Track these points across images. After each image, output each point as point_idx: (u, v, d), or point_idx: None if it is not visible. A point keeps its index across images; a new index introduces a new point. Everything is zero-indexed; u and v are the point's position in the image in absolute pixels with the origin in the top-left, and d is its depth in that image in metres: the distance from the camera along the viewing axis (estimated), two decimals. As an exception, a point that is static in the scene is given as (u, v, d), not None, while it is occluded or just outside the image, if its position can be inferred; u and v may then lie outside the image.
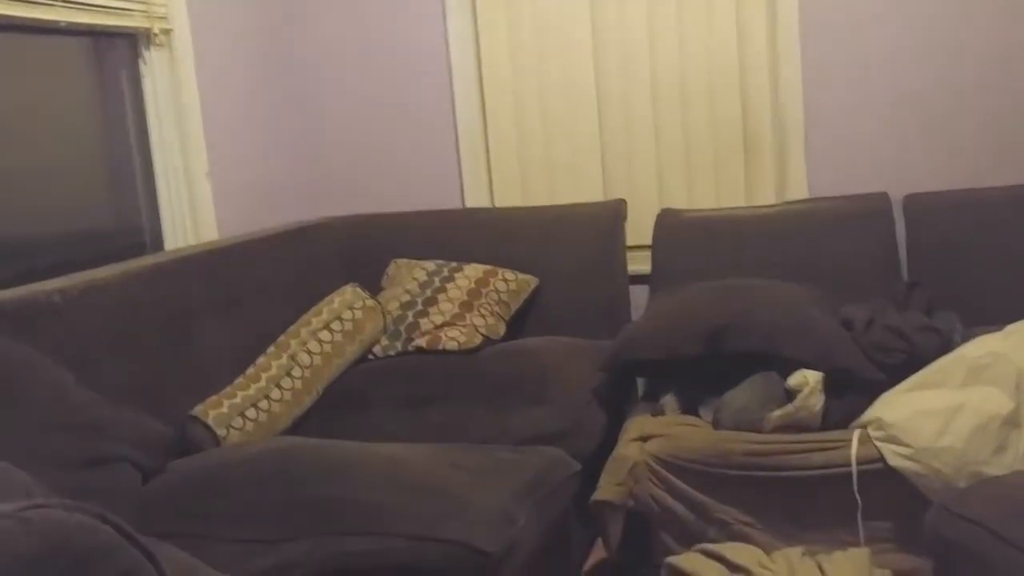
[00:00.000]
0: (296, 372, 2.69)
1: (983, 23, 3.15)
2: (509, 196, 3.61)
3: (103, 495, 1.83)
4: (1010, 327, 2.49)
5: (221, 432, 2.38)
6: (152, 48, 3.01)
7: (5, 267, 2.50)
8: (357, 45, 3.67)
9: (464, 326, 2.98)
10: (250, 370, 2.67)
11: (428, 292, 3.12)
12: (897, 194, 3.14)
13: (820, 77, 3.29)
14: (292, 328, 2.85)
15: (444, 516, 1.80)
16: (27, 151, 2.66)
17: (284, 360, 2.71)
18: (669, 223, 3.28)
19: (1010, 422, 2.18)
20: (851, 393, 2.39)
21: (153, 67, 3.02)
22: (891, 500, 2.20)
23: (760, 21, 3.32)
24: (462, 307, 3.05)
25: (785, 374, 2.42)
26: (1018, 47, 3.13)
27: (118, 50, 2.97)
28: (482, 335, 2.96)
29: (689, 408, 2.53)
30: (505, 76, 3.54)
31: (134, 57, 3.01)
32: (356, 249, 3.43)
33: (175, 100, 3.06)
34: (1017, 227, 2.95)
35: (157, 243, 3.07)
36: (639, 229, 3.35)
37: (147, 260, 2.65)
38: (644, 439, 2.39)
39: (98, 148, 2.93)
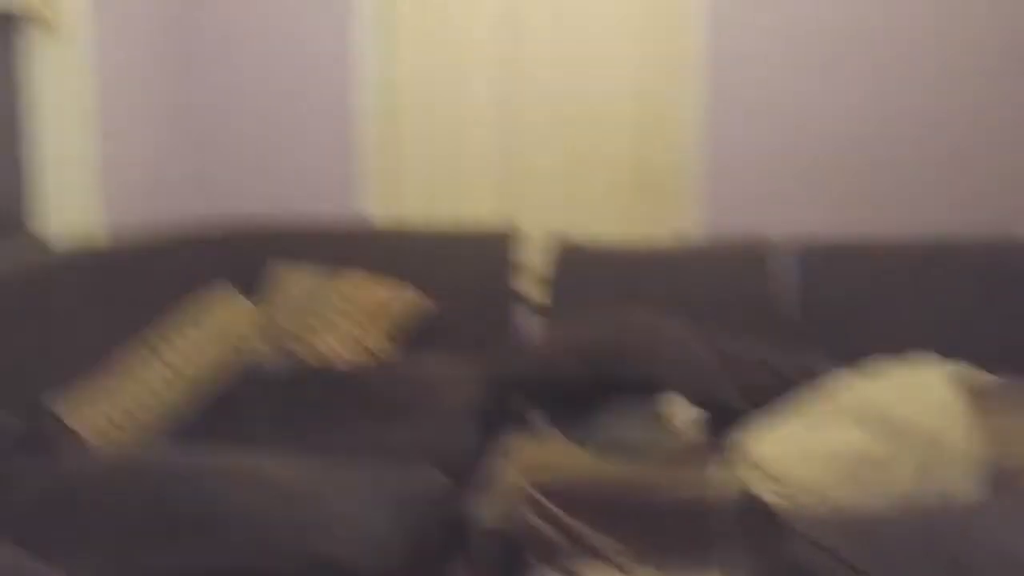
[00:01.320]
0: (168, 376, 2.59)
1: (892, 74, 3.30)
2: (405, 206, 3.59)
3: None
4: (876, 370, 2.57)
5: (81, 432, 2.27)
6: (39, 31, 2.89)
7: None
8: (258, 41, 3.61)
9: (349, 340, 2.93)
10: (119, 371, 2.56)
11: (313, 302, 3.06)
12: (790, 234, 3.24)
13: (722, 119, 3.38)
14: (166, 331, 2.75)
15: (306, 528, 1.76)
16: None
17: (156, 363, 2.62)
18: (568, 255, 3.29)
19: (874, 461, 2.23)
20: (723, 425, 2.42)
21: (41, 51, 2.91)
22: (753, 532, 2.21)
23: (668, 53, 3.40)
24: (347, 320, 3.00)
25: (663, 403, 2.45)
26: (927, 99, 3.30)
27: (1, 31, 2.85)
28: (367, 351, 2.91)
29: (568, 433, 2.52)
30: (409, 84, 3.53)
31: (16, 39, 2.88)
32: (241, 253, 3.33)
33: (63, 87, 2.95)
34: (904, 278, 3.08)
35: (33, 232, 2.94)
36: (533, 252, 3.36)
37: (19, 252, 2.53)
38: (521, 463, 2.37)
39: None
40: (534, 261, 3.32)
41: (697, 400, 2.44)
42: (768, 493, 2.22)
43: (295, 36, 3.58)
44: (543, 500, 2.30)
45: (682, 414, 2.43)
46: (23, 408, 2.21)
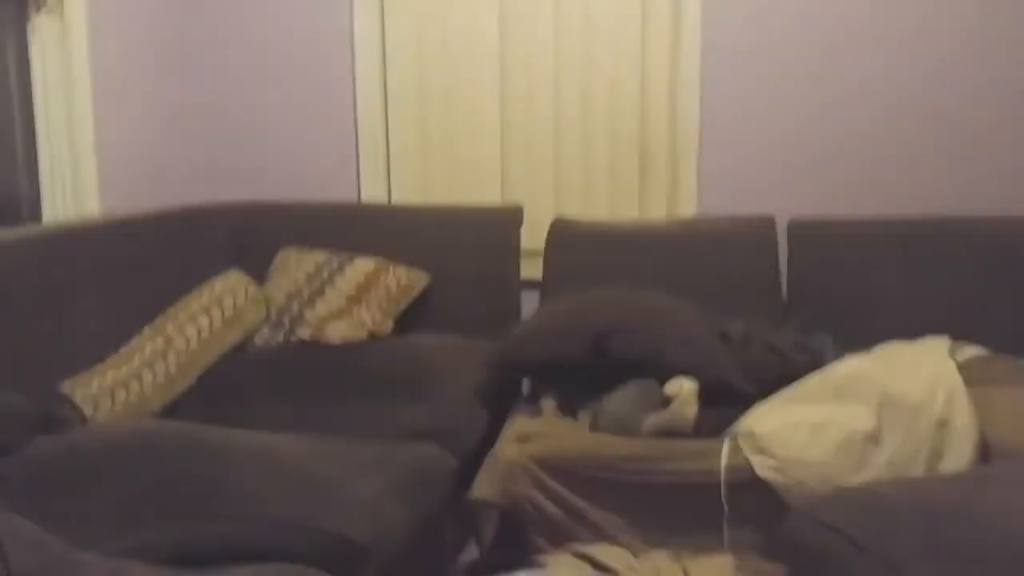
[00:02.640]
0: (171, 355, 2.62)
1: (880, 61, 3.30)
2: (407, 192, 3.61)
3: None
4: (877, 349, 2.61)
5: (88, 411, 2.29)
6: (42, 12, 2.89)
7: None
8: (259, 27, 3.60)
9: (350, 320, 2.94)
10: (123, 349, 2.59)
11: (316, 283, 3.07)
12: (782, 218, 3.22)
13: (718, 99, 3.39)
14: (171, 310, 2.77)
15: (315, 505, 1.78)
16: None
17: (160, 342, 2.64)
18: (562, 232, 3.29)
19: (872, 439, 2.27)
20: (725, 404, 2.45)
21: (42, 33, 2.91)
22: (757, 509, 2.25)
23: (663, 39, 3.41)
24: (349, 300, 3.01)
25: (663, 382, 2.48)
26: (911, 87, 3.30)
27: (4, 11, 2.85)
28: (368, 330, 2.93)
29: (569, 411, 2.56)
30: (409, 70, 3.54)
31: (21, 20, 2.88)
32: (245, 236, 3.34)
33: (64, 69, 2.95)
34: (891, 257, 3.08)
35: (35, 215, 2.94)
36: (534, 234, 3.37)
37: (21, 230, 2.54)
38: (523, 440, 2.40)
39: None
40: (536, 240, 3.33)
41: (699, 378, 2.46)
42: (767, 469, 2.25)
43: (296, 21, 3.57)
44: (543, 476, 2.33)
45: (684, 393, 2.44)
46: (35, 392, 2.22)
